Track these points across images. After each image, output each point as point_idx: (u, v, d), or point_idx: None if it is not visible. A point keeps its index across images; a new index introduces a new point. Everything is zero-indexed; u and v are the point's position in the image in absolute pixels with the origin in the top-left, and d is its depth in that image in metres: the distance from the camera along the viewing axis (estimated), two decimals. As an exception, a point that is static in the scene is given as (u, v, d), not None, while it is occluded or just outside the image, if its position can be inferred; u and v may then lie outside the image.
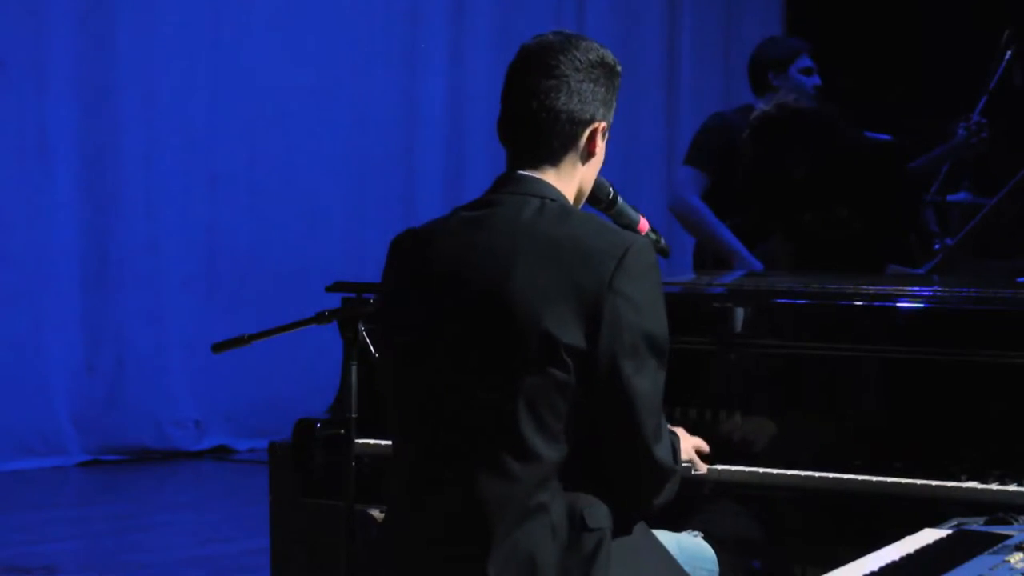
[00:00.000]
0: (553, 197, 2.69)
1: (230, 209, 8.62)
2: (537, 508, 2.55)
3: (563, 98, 2.70)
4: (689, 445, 3.13)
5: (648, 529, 2.80)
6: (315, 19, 8.88)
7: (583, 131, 2.73)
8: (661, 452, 2.62)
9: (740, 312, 3.53)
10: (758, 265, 5.34)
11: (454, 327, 2.62)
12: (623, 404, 2.57)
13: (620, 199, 3.16)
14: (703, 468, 3.19)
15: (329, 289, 3.72)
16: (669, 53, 10.79)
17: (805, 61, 5.62)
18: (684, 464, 2.97)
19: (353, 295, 3.61)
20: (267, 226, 8.73)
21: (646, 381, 2.58)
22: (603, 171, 3.00)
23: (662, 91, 10.70)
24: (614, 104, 2.79)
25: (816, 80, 5.62)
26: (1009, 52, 5.75)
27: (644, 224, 3.20)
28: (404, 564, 2.65)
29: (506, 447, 2.55)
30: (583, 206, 2.89)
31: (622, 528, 2.65)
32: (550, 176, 2.72)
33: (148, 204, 8.33)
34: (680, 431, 3.00)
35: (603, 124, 2.75)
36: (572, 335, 2.54)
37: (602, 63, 2.75)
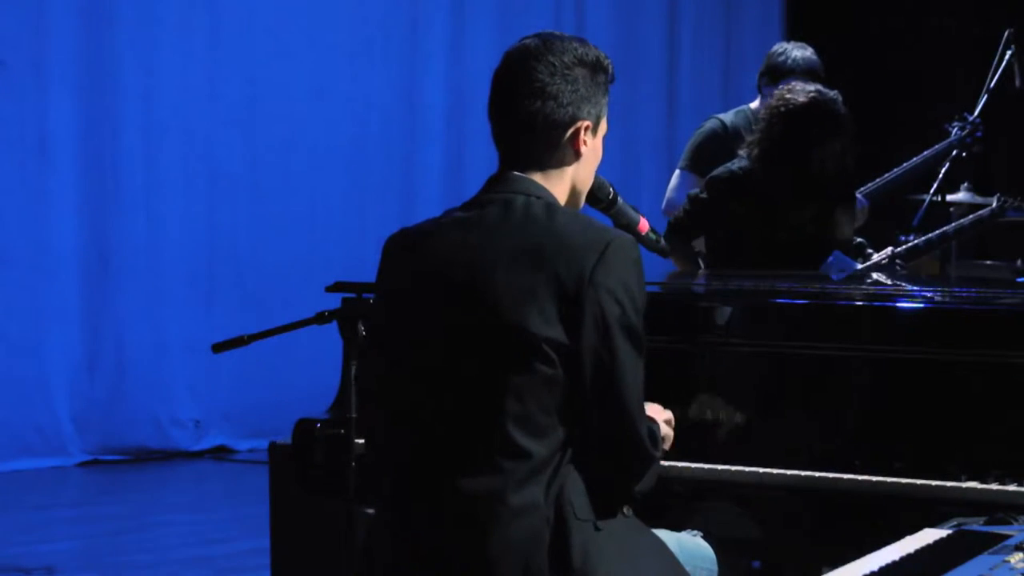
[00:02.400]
0: (538, 195, 2.72)
1: (230, 209, 8.62)
2: (528, 502, 2.56)
3: (538, 103, 2.72)
4: (661, 420, 3.09)
5: (647, 527, 2.81)
6: (315, 19, 8.89)
7: (563, 132, 2.75)
8: (644, 439, 2.66)
9: (740, 312, 3.53)
10: None
11: (443, 326, 2.65)
12: (609, 395, 2.61)
13: (620, 199, 3.16)
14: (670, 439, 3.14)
15: (329, 289, 3.72)
16: (669, 53, 10.79)
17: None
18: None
19: (353, 295, 3.60)
20: (267, 226, 8.74)
21: (629, 373, 2.62)
22: (603, 171, 3.00)
23: (662, 91, 10.70)
24: (602, 100, 2.79)
25: None
26: (1009, 52, 5.75)
27: (644, 224, 3.20)
28: (401, 560, 2.65)
29: (494, 445, 2.57)
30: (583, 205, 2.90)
31: (603, 514, 2.66)
32: (538, 176, 2.75)
33: (148, 204, 8.33)
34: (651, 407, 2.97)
35: (586, 123, 2.76)
36: (554, 329, 2.57)
37: (580, 62, 2.76)
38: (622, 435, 2.64)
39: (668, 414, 3.15)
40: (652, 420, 2.76)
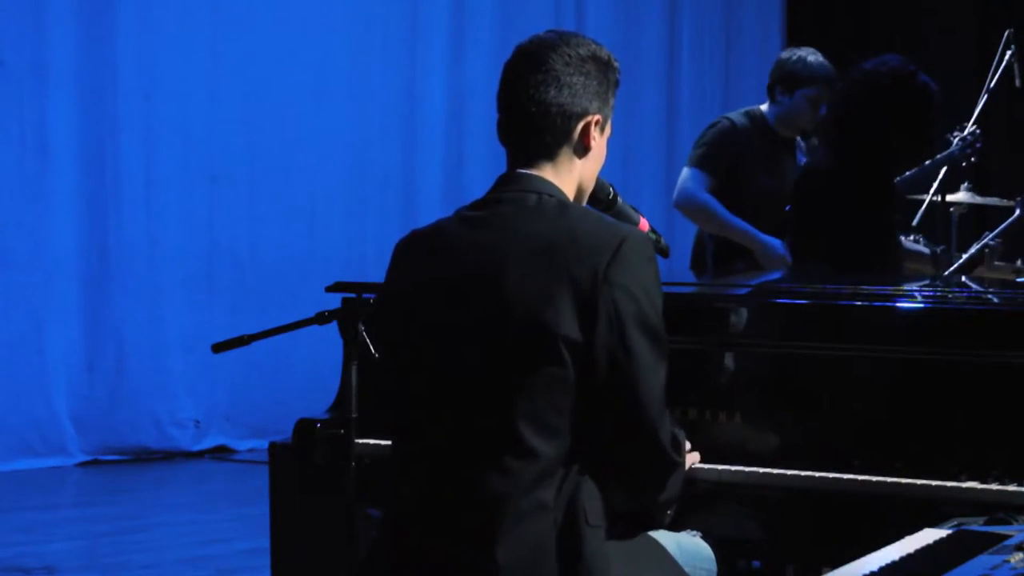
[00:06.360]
0: (550, 193, 2.70)
1: (230, 209, 8.63)
2: (538, 505, 2.55)
3: (552, 91, 2.72)
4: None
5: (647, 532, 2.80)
6: (315, 18, 8.89)
7: (576, 124, 2.74)
8: (665, 444, 2.62)
9: (740, 312, 3.53)
10: (776, 244, 5.35)
11: (456, 326, 2.63)
12: (625, 396, 2.57)
13: (620, 199, 3.16)
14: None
15: (329, 289, 3.73)
16: (669, 53, 10.79)
17: (813, 91, 5.55)
18: None
19: (353, 295, 3.60)
20: (267, 226, 8.74)
21: (647, 372, 2.58)
22: (603, 171, 3.00)
23: (662, 91, 10.70)
24: (611, 99, 2.80)
25: (822, 111, 5.56)
26: (1009, 53, 5.75)
27: (644, 224, 3.20)
28: (411, 561, 2.65)
29: (504, 446, 2.56)
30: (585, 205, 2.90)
31: (623, 531, 2.65)
32: (547, 172, 2.74)
33: (148, 204, 8.34)
34: None
35: (596, 117, 2.76)
36: (569, 327, 2.55)
37: (594, 57, 2.77)
38: (641, 439, 2.59)
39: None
40: (677, 424, 2.71)
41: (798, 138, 5.77)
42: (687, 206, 5.62)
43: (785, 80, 5.60)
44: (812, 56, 5.62)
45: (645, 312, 2.59)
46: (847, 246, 4.45)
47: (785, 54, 5.71)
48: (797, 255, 4.85)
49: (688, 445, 3.19)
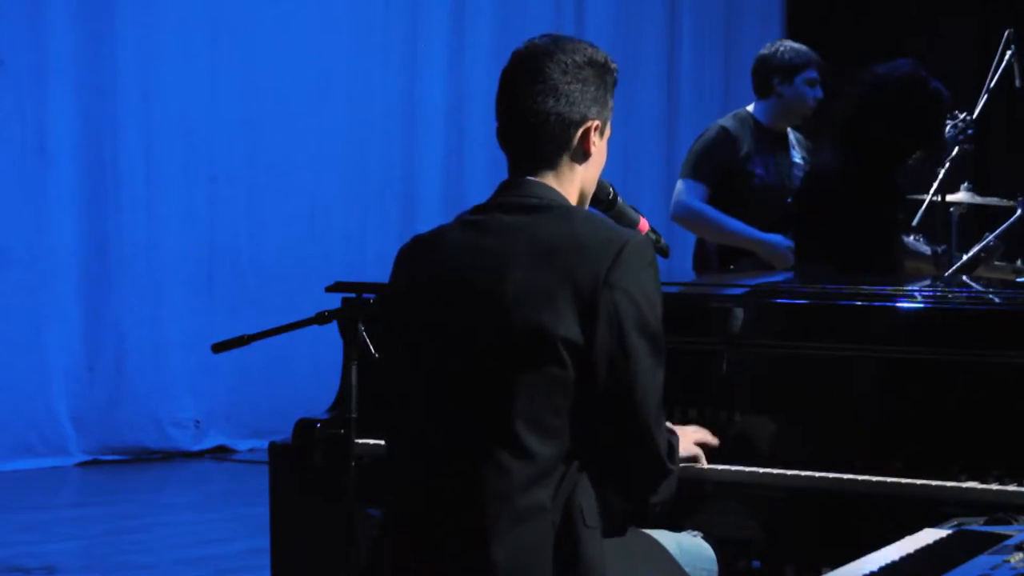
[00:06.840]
0: (552, 198, 2.71)
1: (230, 209, 8.63)
2: (535, 506, 2.55)
3: (551, 101, 2.72)
4: (690, 442, 3.14)
5: (645, 531, 2.80)
6: (315, 19, 8.89)
7: (575, 131, 2.75)
8: (660, 448, 2.63)
9: (740, 312, 3.53)
10: (778, 239, 5.36)
11: (457, 327, 2.64)
12: (623, 399, 2.59)
13: (620, 199, 3.16)
14: (704, 465, 3.21)
15: (329, 289, 3.73)
16: (669, 53, 10.79)
17: (811, 73, 5.62)
18: (684, 460, 3.00)
19: (353, 295, 3.60)
20: (267, 226, 8.74)
21: (645, 376, 2.59)
22: (603, 172, 3.00)
23: (662, 91, 10.71)
24: (609, 102, 2.81)
25: (819, 93, 5.63)
26: (1009, 52, 5.75)
27: (644, 224, 3.20)
28: (410, 560, 2.65)
29: (502, 445, 2.56)
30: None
31: (615, 528, 2.65)
32: (549, 179, 2.74)
33: (148, 204, 8.34)
34: (682, 429, 3.02)
35: (596, 122, 2.77)
36: (568, 329, 2.55)
37: (591, 62, 2.77)
38: (636, 442, 2.60)
39: (701, 436, 3.18)
40: (671, 432, 2.73)
41: (789, 133, 5.78)
42: (684, 217, 5.64)
43: (782, 71, 5.63)
44: (795, 43, 5.73)
45: (645, 316, 2.59)
46: (852, 248, 4.45)
47: (767, 50, 5.75)
48: (802, 256, 4.85)
49: (699, 436, 3.20)
